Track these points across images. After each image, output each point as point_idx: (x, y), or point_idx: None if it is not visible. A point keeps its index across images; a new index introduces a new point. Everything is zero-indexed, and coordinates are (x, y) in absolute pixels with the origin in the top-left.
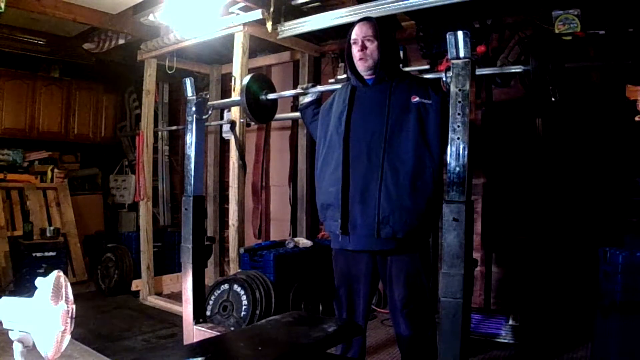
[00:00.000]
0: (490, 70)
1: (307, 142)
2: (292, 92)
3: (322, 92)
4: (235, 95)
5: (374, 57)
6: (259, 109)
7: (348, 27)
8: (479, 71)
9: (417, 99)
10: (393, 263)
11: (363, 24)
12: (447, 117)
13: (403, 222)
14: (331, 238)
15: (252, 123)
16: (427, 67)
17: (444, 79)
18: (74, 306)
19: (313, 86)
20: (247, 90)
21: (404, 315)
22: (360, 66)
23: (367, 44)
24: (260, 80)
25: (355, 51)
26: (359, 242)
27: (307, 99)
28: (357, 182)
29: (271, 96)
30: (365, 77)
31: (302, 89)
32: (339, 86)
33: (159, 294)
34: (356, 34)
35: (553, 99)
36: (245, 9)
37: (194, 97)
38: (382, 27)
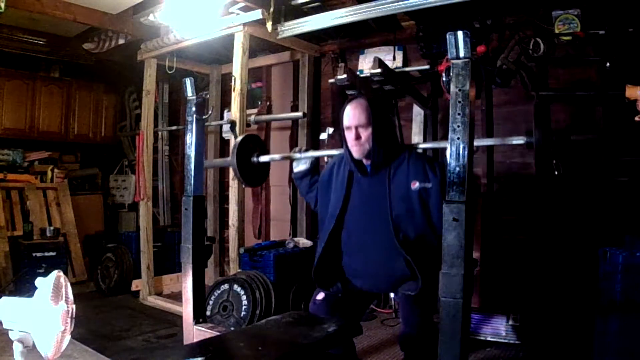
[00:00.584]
0: (492, 142)
1: (307, 142)
2: (284, 154)
3: (317, 159)
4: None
5: (368, 144)
6: (249, 171)
7: (348, 27)
8: (481, 142)
9: (417, 184)
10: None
11: (355, 108)
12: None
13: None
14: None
15: (252, 123)
16: (427, 67)
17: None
18: (74, 306)
19: (306, 150)
20: (239, 151)
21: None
22: (355, 153)
23: (361, 131)
24: (253, 142)
25: (350, 139)
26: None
27: (300, 167)
28: (359, 267)
29: (263, 159)
30: (363, 162)
31: (295, 152)
32: (332, 152)
33: (159, 294)
34: (349, 121)
35: (556, 173)
36: (245, 9)
37: (194, 97)
38: (375, 108)
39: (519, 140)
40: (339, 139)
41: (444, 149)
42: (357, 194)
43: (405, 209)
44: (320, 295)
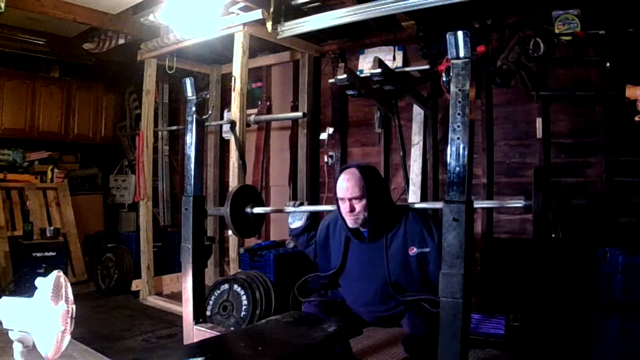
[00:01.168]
0: (492, 204)
1: (307, 142)
2: (278, 208)
3: (313, 214)
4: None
5: (363, 215)
6: (243, 222)
7: (348, 27)
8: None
9: (414, 250)
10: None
11: (348, 181)
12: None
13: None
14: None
15: (252, 123)
16: (427, 67)
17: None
18: (74, 306)
19: (300, 204)
20: (233, 201)
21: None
22: (350, 223)
23: (355, 203)
24: (248, 192)
25: (344, 211)
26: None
27: (297, 223)
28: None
29: (257, 210)
30: (359, 228)
31: (289, 205)
32: (326, 207)
33: (159, 294)
34: (343, 193)
35: (553, 235)
36: (245, 9)
37: (194, 97)
38: (368, 177)
39: (517, 204)
40: (339, 140)
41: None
42: (355, 259)
43: (404, 275)
44: (314, 296)
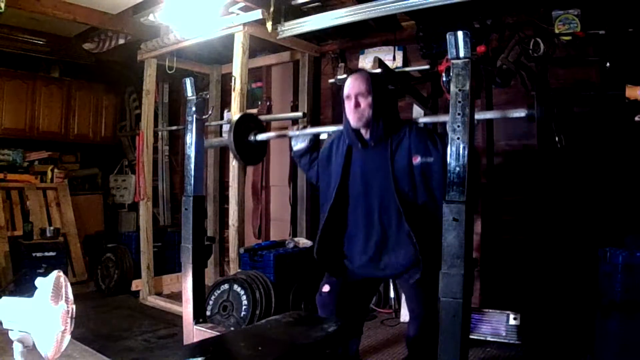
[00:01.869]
0: (492, 115)
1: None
2: (281, 132)
3: (317, 136)
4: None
5: (367, 114)
6: (247, 150)
7: (348, 27)
8: (481, 115)
9: (418, 159)
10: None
11: (356, 79)
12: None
13: (418, 270)
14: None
15: None
16: (427, 67)
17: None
18: (74, 306)
19: (304, 127)
20: (236, 130)
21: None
22: (353, 121)
23: (361, 100)
24: (250, 120)
25: (349, 107)
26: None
27: (300, 145)
28: (360, 244)
29: (260, 137)
30: (362, 133)
31: (293, 129)
32: (331, 128)
33: (159, 294)
34: (349, 89)
35: (559, 146)
36: (245, 9)
37: (194, 97)
38: (377, 82)
39: (520, 113)
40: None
41: (444, 123)
42: (358, 167)
43: (408, 184)
44: (326, 287)
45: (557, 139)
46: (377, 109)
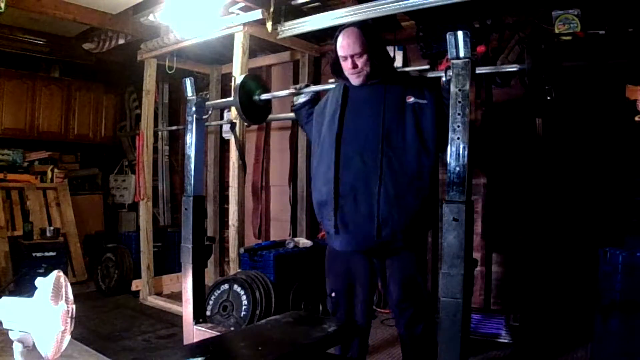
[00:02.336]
0: (486, 70)
1: (307, 142)
2: (286, 92)
3: (317, 92)
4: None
5: (366, 71)
6: (252, 110)
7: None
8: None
9: (412, 99)
10: (390, 263)
11: (348, 37)
12: (443, 115)
13: (403, 223)
14: (327, 238)
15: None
16: (427, 67)
17: (444, 78)
18: (74, 306)
19: (307, 86)
20: (241, 90)
21: (400, 314)
22: (355, 82)
23: (357, 60)
24: (254, 81)
25: (347, 68)
26: (357, 244)
27: (301, 99)
28: (350, 181)
29: (264, 96)
30: None
31: (296, 89)
32: (333, 86)
33: (159, 294)
34: (344, 50)
35: (549, 98)
36: (245, 9)
37: (194, 97)
38: (368, 34)
39: (512, 68)
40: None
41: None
42: (353, 104)
43: (397, 120)
44: (333, 294)
45: (547, 91)
46: (374, 63)
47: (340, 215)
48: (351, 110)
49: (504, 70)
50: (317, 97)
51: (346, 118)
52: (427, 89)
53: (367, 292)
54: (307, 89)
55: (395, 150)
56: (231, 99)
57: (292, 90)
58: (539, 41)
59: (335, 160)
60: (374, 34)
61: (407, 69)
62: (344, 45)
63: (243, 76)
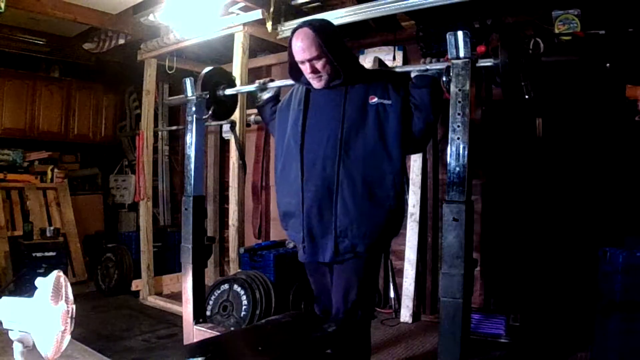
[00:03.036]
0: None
1: None
2: (251, 87)
3: (281, 88)
4: None
5: (327, 74)
6: (216, 105)
7: (348, 27)
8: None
9: (375, 99)
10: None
11: (302, 41)
12: (408, 116)
13: (362, 236)
14: (297, 249)
15: (252, 123)
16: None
17: (413, 74)
18: (74, 306)
19: (271, 80)
20: (203, 85)
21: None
22: (315, 84)
23: (316, 64)
24: (218, 75)
25: (306, 72)
26: (320, 256)
27: (264, 95)
28: (313, 191)
29: (229, 91)
30: None
31: (260, 84)
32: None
33: (159, 294)
34: (299, 55)
35: (527, 97)
36: (245, 9)
37: (194, 97)
38: (324, 34)
39: (486, 63)
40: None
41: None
42: (314, 107)
43: (358, 125)
44: (317, 305)
45: (524, 89)
46: (335, 64)
47: (307, 227)
48: (313, 116)
49: (480, 66)
50: (280, 92)
51: (308, 125)
52: (392, 88)
53: None
54: (271, 84)
55: (354, 157)
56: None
57: (257, 85)
58: (515, 34)
59: (302, 172)
60: (331, 32)
61: (407, 68)
62: (298, 50)
63: (206, 70)
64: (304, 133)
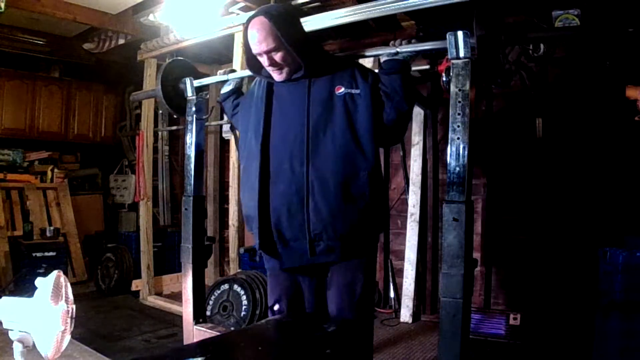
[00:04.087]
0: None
1: None
2: (215, 78)
3: (243, 79)
4: None
5: (288, 65)
6: (179, 100)
7: (348, 27)
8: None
9: (342, 89)
10: (331, 272)
11: (259, 32)
12: (379, 105)
13: (338, 237)
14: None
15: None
16: (427, 67)
17: (383, 58)
18: (74, 306)
19: (232, 71)
20: (165, 79)
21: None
22: (277, 78)
23: (274, 56)
24: (182, 67)
25: (265, 65)
26: (294, 260)
27: (225, 88)
28: (281, 195)
29: (196, 83)
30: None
31: (221, 74)
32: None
33: (159, 294)
34: (256, 47)
35: (500, 86)
36: (245, 9)
37: (194, 97)
38: (281, 23)
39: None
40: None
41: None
42: (276, 107)
43: (325, 119)
44: (277, 306)
45: (499, 80)
46: (295, 55)
47: (277, 231)
48: (276, 112)
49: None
50: (240, 87)
51: (273, 122)
52: (360, 75)
53: (314, 299)
54: (232, 75)
55: (323, 155)
56: (155, 89)
57: (223, 77)
58: (495, 11)
59: (261, 175)
60: (290, 21)
61: (375, 51)
62: (254, 42)
63: (168, 62)
64: (266, 130)
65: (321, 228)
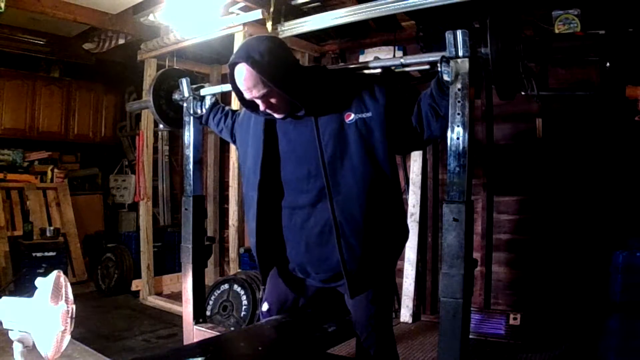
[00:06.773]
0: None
1: None
2: (200, 84)
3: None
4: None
5: (284, 106)
6: (172, 112)
7: (348, 27)
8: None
9: (352, 116)
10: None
11: (245, 80)
12: (396, 123)
13: (374, 270)
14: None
15: None
16: (427, 67)
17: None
18: (74, 306)
19: (200, 87)
20: (156, 90)
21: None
22: (279, 116)
23: (270, 99)
24: (175, 78)
25: (262, 108)
26: (314, 286)
27: (199, 109)
28: (299, 230)
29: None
30: None
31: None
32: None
33: (159, 294)
34: (249, 95)
35: (533, 92)
36: (245, 9)
37: (191, 97)
38: (264, 67)
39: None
40: None
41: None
42: (283, 140)
43: (339, 147)
44: (265, 306)
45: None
46: (289, 96)
47: (297, 264)
48: (284, 146)
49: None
50: (216, 102)
51: (281, 154)
52: (369, 95)
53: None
54: (204, 91)
55: (345, 191)
56: (147, 100)
57: (203, 91)
58: (513, 21)
59: (258, 215)
60: (273, 63)
61: (407, 69)
62: (244, 89)
63: (159, 72)
64: (265, 167)
65: (356, 266)
